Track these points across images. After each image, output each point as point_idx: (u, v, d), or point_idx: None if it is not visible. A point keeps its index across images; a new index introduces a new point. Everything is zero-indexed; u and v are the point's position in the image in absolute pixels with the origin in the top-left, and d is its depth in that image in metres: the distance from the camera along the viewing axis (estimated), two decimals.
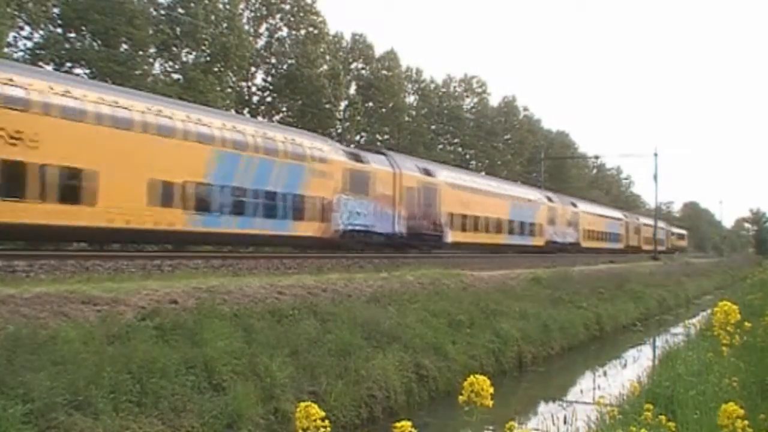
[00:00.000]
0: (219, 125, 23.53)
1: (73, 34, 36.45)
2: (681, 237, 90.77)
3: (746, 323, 4.45)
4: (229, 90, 45.32)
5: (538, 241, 48.14)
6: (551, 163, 77.76)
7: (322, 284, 14.45)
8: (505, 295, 19.12)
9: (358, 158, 30.57)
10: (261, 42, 49.62)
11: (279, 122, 44.03)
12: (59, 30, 36.25)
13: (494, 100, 77.29)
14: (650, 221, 75.74)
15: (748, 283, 24.99)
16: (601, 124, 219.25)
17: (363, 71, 59.87)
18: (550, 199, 52.16)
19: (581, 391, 13.47)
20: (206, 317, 10.05)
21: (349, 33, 62.76)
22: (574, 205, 57.28)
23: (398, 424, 2.42)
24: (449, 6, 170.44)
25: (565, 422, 8.56)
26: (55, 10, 35.69)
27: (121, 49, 36.91)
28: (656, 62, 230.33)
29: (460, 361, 13.30)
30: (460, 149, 73.53)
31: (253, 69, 48.97)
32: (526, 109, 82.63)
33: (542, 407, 12.53)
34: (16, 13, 32.25)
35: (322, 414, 2.41)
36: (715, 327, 3.91)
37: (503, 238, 42.83)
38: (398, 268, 20.04)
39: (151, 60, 40.27)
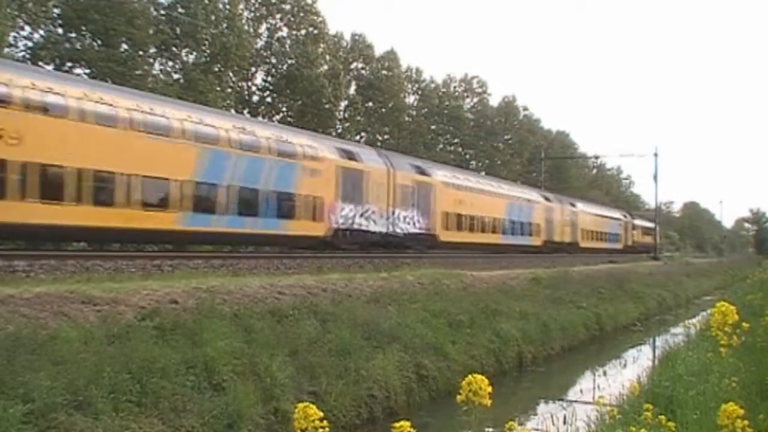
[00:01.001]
0: None
1: (73, 34, 36.53)
2: (648, 231, 73.13)
3: (744, 324, 4.45)
4: (229, 90, 45.39)
5: (311, 229, 25.98)
6: (551, 163, 77.68)
7: (322, 284, 14.44)
8: (505, 295, 19.12)
9: None
10: (261, 42, 49.68)
11: (279, 122, 43.89)
12: (59, 30, 36.32)
13: (494, 100, 77.58)
14: (597, 209, 61.24)
15: (748, 283, 24.98)
16: (601, 124, 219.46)
17: (363, 71, 59.90)
18: (351, 157, 28.50)
19: (581, 391, 13.47)
20: (206, 317, 10.05)
21: (349, 33, 62.81)
22: (423, 173, 33.39)
23: (397, 424, 2.42)
24: (449, 6, 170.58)
25: (565, 422, 8.54)
26: (55, 10, 35.75)
27: (121, 49, 37.01)
28: (656, 62, 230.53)
29: (460, 361, 13.31)
30: (460, 149, 73.65)
31: (253, 69, 49.01)
32: (526, 109, 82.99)
33: (542, 407, 12.54)
34: (16, 13, 32.26)
35: (321, 414, 2.41)
36: (713, 328, 3.91)
37: (225, 222, 21.96)
38: (398, 268, 20.05)
39: (151, 60, 40.32)
